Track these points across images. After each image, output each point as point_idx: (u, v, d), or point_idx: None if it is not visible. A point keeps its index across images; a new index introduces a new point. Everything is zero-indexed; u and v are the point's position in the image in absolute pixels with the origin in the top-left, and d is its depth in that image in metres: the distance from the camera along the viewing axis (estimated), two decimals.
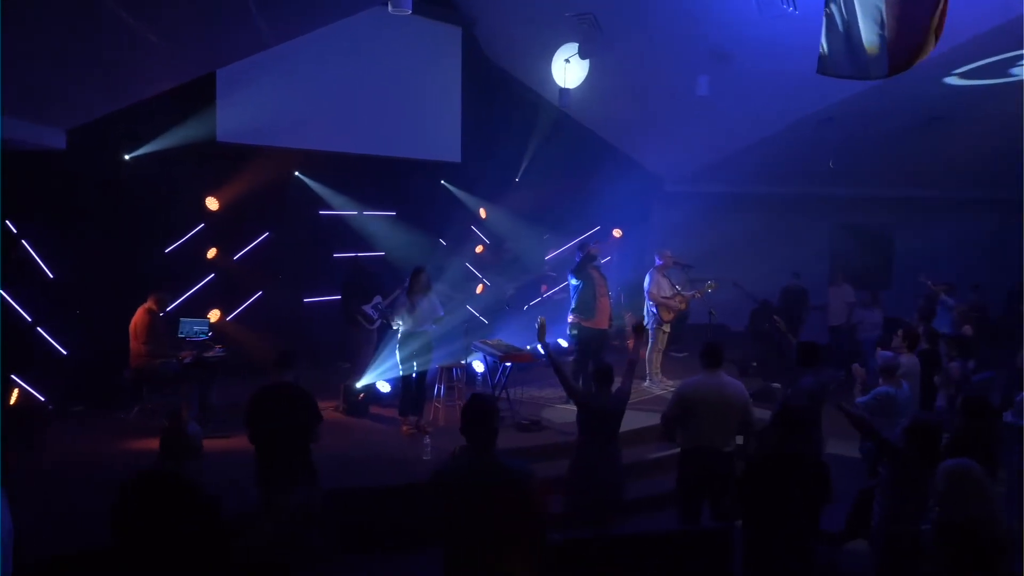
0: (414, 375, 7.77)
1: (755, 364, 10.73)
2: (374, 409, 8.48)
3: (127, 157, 8.64)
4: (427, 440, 6.95)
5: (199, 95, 8.91)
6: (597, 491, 5.06)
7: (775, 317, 8.60)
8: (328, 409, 8.38)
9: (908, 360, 6.20)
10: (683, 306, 9.56)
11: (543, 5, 10.06)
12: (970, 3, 6.92)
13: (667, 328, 9.44)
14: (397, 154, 10.97)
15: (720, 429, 5.26)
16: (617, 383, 5.27)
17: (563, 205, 12.41)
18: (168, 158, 8.74)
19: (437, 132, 11.66)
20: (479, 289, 11.29)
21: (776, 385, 9.20)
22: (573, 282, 8.79)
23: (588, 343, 8.64)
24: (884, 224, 14.65)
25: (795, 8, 8.06)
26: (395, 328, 7.85)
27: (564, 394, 7.59)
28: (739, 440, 5.58)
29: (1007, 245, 12.57)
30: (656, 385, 9.35)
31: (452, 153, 11.79)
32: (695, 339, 8.24)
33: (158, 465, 3.77)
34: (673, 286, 9.50)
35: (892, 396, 5.93)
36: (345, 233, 10.75)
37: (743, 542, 4.17)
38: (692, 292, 9.68)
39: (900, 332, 6.57)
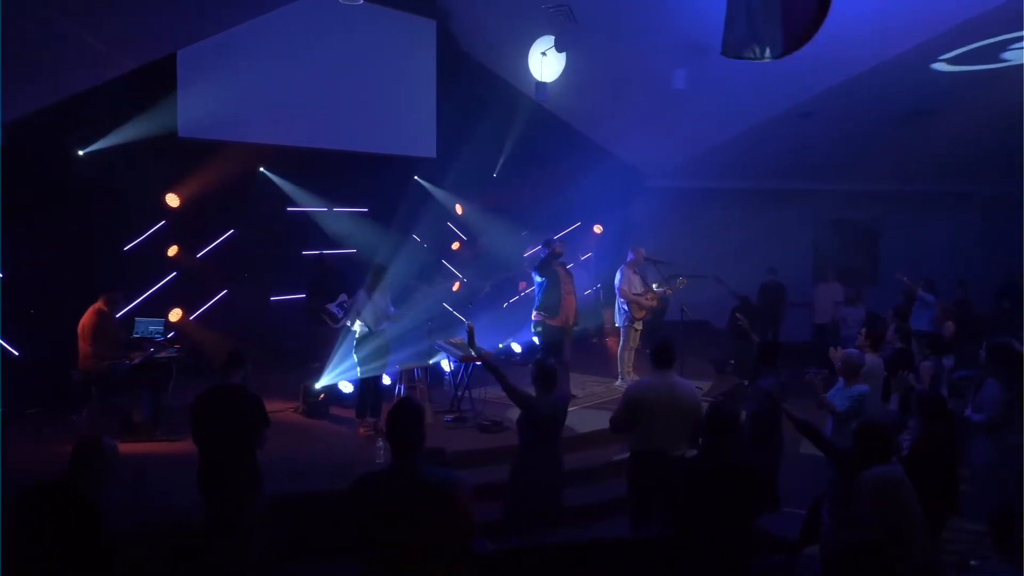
0: (371, 376, 7.58)
1: (732, 362, 10.51)
2: (335, 410, 8.30)
3: (81, 152, 8.45)
4: (380, 443, 6.74)
5: (159, 88, 8.73)
6: (538, 497, 4.86)
7: (737, 315, 8.37)
8: (288, 410, 8.23)
9: (872, 359, 6.00)
10: (654, 303, 9.36)
11: None
12: None
13: (639, 326, 9.25)
14: (369, 149, 10.80)
15: (670, 432, 5.05)
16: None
17: (541, 201, 12.19)
18: (126, 153, 8.53)
19: (411, 127, 11.45)
20: (456, 286, 11.06)
21: (747, 383, 8.98)
22: (537, 279, 8.61)
23: (554, 341, 8.45)
24: (869, 219, 14.37)
25: None
26: (353, 328, 7.64)
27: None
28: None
29: (997, 241, 12.38)
30: (627, 383, 9.13)
31: (427, 148, 11.59)
32: (672, 336, 8.04)
33: (62, 475, 3.65)
34: (645, 282, 9.30)
35: (868, 395, 5.74)
36: (314, 230, 10.57)
37: (677, 550, 3.98)
38: (663, 289, 9.46)
39: (863, 331, 6.38)
